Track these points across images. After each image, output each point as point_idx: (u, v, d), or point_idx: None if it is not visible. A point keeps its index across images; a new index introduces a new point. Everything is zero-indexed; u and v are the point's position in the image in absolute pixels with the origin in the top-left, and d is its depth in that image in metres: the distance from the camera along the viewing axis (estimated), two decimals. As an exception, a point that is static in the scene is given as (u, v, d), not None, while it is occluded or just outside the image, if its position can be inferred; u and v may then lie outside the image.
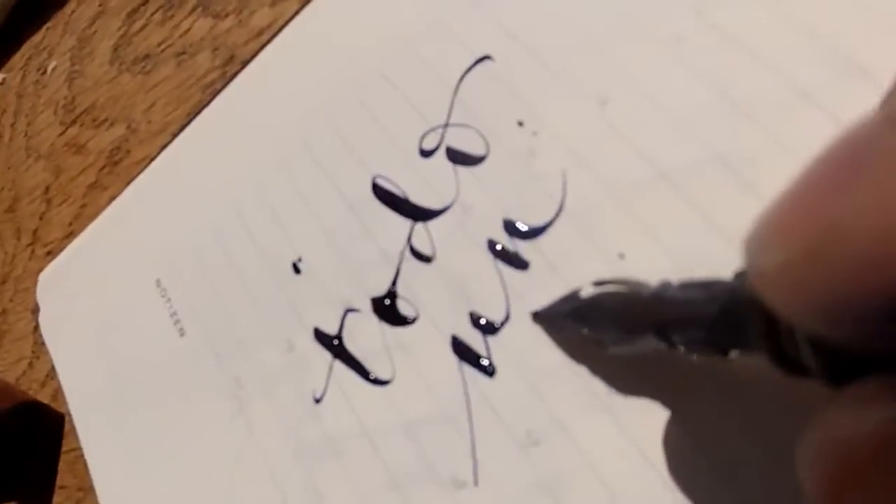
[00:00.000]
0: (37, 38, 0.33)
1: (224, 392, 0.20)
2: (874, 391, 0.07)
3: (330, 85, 0.20)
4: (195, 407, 0.21)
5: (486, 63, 0.17)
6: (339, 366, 0.18)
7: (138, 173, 0.25)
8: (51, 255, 0.29)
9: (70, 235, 0.28)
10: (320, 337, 0.18)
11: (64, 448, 0.26)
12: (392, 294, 0.17)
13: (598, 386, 0.14)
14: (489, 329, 0.15)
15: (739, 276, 0.10)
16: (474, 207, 0.17)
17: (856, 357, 0.08)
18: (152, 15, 0.27)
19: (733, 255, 0.13)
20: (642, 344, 0.12)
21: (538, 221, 0.15)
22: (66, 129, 0.30)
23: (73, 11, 0.31)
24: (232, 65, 0.24)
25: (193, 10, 0.26)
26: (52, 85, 0.31)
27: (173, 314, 0.22)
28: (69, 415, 0.25)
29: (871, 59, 0.13)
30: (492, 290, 0.16)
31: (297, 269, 0.19)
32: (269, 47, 0.22)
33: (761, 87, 0.14)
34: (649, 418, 0.13)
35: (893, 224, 0.06)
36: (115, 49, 0.28)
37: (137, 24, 0.28)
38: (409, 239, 0.17)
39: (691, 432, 0.13)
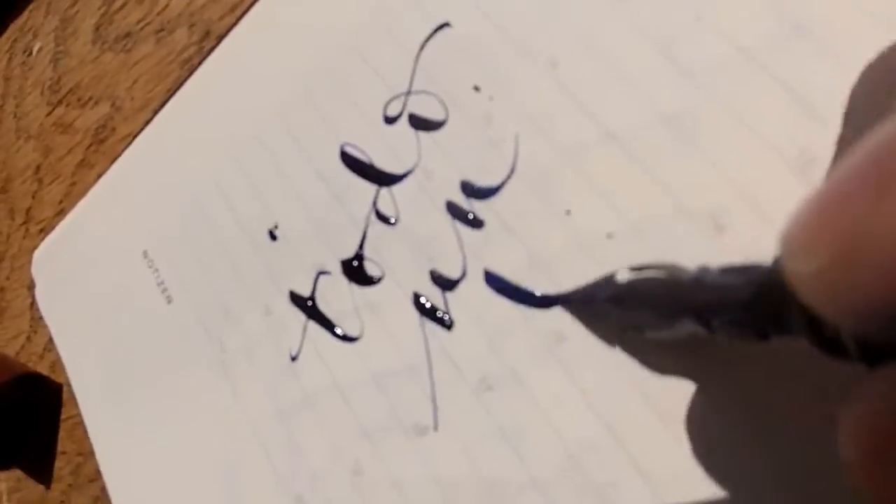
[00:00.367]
0: (21, 20, 0.33)
1: (210, 356, 0.21)
2: None
3: (301, 58, 0.21)
4: (184, 371, 0.22)
5: (446, 30, 0.18)
6: (313, 326, 0.19)
7: (123, 150, 0.26)
8: (43, 232, 0.30)
9: (61, 213, 0.29)
10: (295, 299, 0.19)
11: (63, 416, 0.28)
12: (359, 256, 0.18)
13: (547, 338, 0.15)
14: (447, 285, 0.16)
15: (778, 260, 0.10)
16: (434, 171, 0.17)
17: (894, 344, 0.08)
18: (131, -7, 0.28)
19: (676, 213, 0.14)
20: (681, 328, 0.12)
21: (492, 182, 0.16)
22: (54, 109, 0.31)
23: (55, -8, 0.32)
24: (208, 40, 0.25)
25: (170, -13, 0.26)
26: (37, 66, 0.32)
27: (160, 283, 0.23)
28: (67, 384, 0.27)
29: (812, 18, 0.14)
30: (450, 248, 0.16)
31: (273, 236, 0.20)
32: (243, 23, 0.23)
33: (705, 48, 0.14)
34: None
35: None
36: (97, 28, 0.29)
37: (118, 3, 0.28)
38: (374, 203, 0.18)
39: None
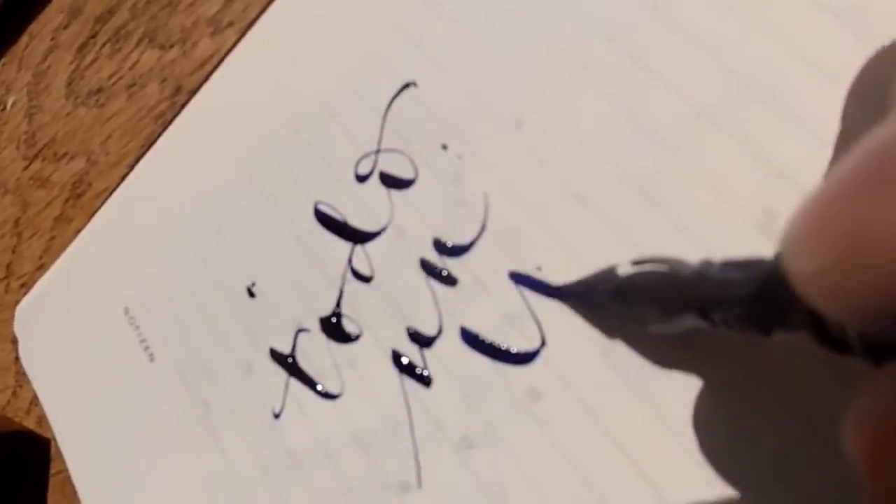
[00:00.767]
0: (-6, 74, 0.33)
1: (194, 414, 0.21)
2: None
3: (269, 116, 0.21)
4: (169, 429, 0.22)
5: (412, 89, 0.18)
6: (294, 383, 0.19)
7: (100, 206, 0.26)
8: (25, 287, 0.30)
9: (42, 268, 0.29)
10: (276, 356, 0.19)
11: (52, 471, 0.27)
12: (337, 314, 0.18)
13: (523, 395, 0.15)
14: (424, 342, 0.17)
15: (780, 255, 0.10)
16: (407, 229, 0.18)
17: None
18: (101, 48, 0.28)
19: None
20: (682, 322, 0.12)
21: (464, 240, 0.17)
22: (30, 163, 0.31)
23: (26, 46, 0.32)
24: (180, 95, 0.25)
25: (140, 41, 0.27)
26: (12, 120, 0.32)
27: (142, 341, 0.23)
28: (55, 439, 0.27)
29: (771, 80, 0.14)
30: (425, 305, 0.17)
31: (251, 294, 0.20)
32: (213, 78, 0.23)
33: (666, 108, 0.15)
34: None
35: None
36: (70, 83, 0.29)
37: (88, 58, 0.28)
38: (349, 261, 0.18)
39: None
